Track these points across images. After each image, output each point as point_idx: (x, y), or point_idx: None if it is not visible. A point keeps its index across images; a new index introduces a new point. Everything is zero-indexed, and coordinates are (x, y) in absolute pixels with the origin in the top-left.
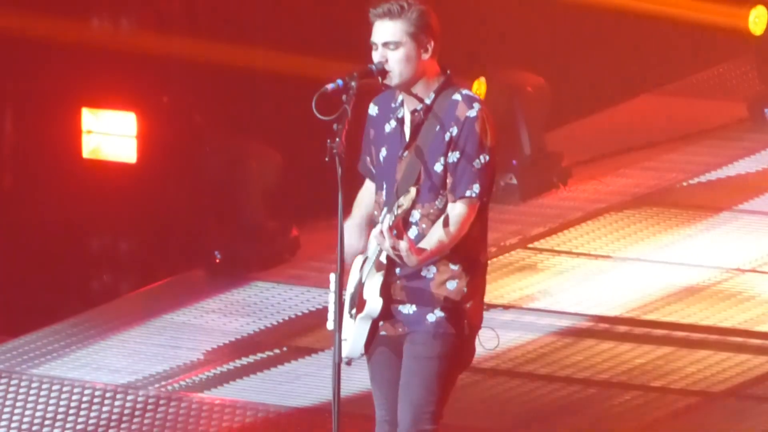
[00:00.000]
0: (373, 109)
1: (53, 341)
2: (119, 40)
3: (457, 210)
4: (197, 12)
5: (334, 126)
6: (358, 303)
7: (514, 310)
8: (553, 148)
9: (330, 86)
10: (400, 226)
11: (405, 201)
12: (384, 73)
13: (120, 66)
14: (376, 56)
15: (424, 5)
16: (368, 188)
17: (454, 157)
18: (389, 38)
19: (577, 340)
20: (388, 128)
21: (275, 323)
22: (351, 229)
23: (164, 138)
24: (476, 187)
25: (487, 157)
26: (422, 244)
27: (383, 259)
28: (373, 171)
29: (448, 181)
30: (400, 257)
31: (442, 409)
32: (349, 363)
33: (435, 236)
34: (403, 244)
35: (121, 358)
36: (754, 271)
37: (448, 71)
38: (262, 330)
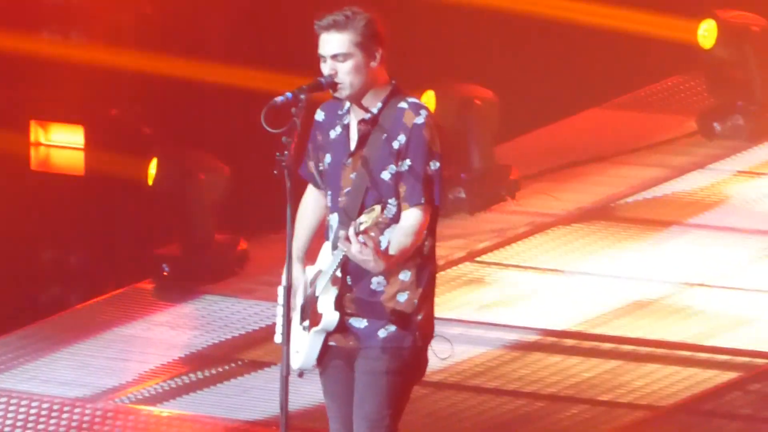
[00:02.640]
0: (319, 115)
1: (2, 354)
2: (68, 53)
3: (412, 217)
4: (146, 25)
5: (283, 139)
6: (311, 316)
7: (462, 324)
8: (502, 161)
9: (279, 99)
10: (368, 232)
11: (367, 219)
12: (334, 85)
13: (69, 79)
14: (325, 69)
15: (370, 13)
16: (311, 194)
17: (405, 164)
18: (337, 50)
19: (525, 354)
20: (333, 134)
21: (224, 336)
22: (298, 252)
23: (112, 150)
24: (429, 194)
25: (438, 164)
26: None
27: (339, 273)
28: (316, 177)
29: (401, 189)
30: (364, 263)
31: (397, 423)
32: (301, 375)
33: (395, 244)
34: (368, 251)
35: (71, 371)
36: (702, 285)
37: (394, 81)
38: (212, 343)
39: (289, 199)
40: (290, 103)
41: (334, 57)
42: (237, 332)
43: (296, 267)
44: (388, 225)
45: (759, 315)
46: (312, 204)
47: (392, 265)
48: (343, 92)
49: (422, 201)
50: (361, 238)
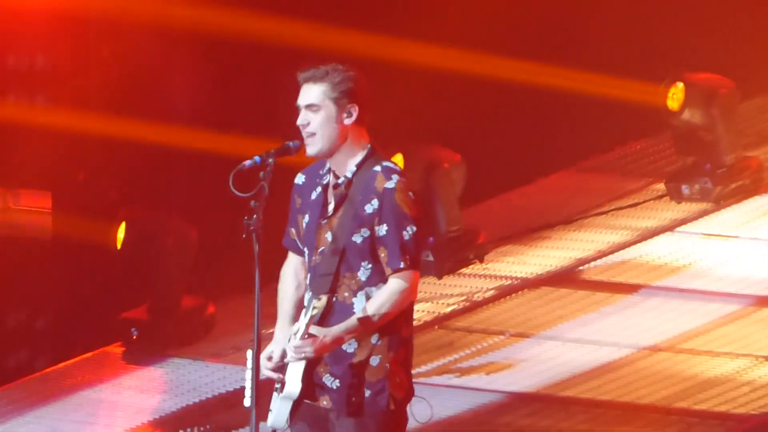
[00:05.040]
0: (299, 179)
1: None
2: (34, 118)
3: (396, 283)
4: (112, 89)
5: (252, 203)
6: (282, 381)
7: (431, 388)
8: (469, 224)
9: (247, 163)
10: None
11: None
12: (301, 148)
13: (35, 143)
14: (299, 119)
15: (353, 71)
16: (292, 262)
17: (382, 230)
18: (311, 101)
19: (494, 418)
20: (313, 195)
21: (193, 400)
22: (285, 320)
23: (80, 215)
24: (408, 258)
25: (414, 228)
26: (358, 316)
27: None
28: (298, 242)
29: (381, 253)
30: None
31: None
32: None
33: (376, 306)
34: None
35: None
36: (670, 349)
37: (370, 144)
38: (180, 407)
39: (257, 262)
40: (258, 167)
41: (308, 107)
42: (205, 396)
43: (284, 329)
44: (361, 288)
45: (729, 378)
46: (292, 272)
47: (374, 328)
48: (314, 147)
49: (401, 266)
50: (299, 343)
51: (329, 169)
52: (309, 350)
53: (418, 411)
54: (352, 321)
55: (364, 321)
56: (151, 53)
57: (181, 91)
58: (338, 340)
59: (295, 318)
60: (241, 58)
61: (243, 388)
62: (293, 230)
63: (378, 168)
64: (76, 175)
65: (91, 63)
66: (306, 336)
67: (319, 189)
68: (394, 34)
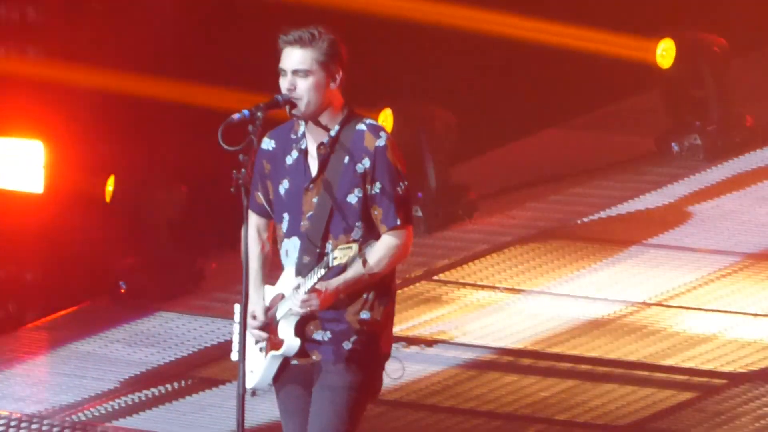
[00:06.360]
0: (268, 144)
1: None
2: (25, 69)
3: (393, 239)
4: (102, 42)
5: (240, 156)
6: (269, 339)
7: (419, 342)
8: (459, 181)
9: (236, 117)
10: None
11: (342, 255)
12: (291, 103)
13: (26, 94)
14: (285, 83)
15: (334, 35)
16: (254, 225)
17: (376, 187)
18: (299, 66)
19: (481, 373)
20: (289, 160)
21: (180, 354)
22: (255, 280)
23: (70, 167)
24: (403, 214)
25: (406, 182)
26: (357, 269)
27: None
28: (266, 206)
29: (375, 211)
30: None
31: None
32: (254, 394)
33: (375, 259)
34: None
35: (26, 387)
36: (659, 304)
37: (348, 105)
38: (167, 360)
39: (246, 216)
40: (247, 121)
41: (295, 72)
42: (193, 349)
43: (257, 289)
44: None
45: (716, 335)
46: (255, 233)
47: (370, 283)
48: (300, 110)
49: (398, 222)
50: (305, 296)
51: (303, 133)
52: (315, 303)
53: (390, 369)
54: (349, 274)
55: (362, 275)
56: (141, 5)
57: (170, 43)
58: (337, 293)
59: (266, 279)
60: (226, 10)
61: (230, 342)
62: (260, 194)
63: (363, 127)
64: (66, 127)
65: (83, 16)
66: (312, 290)
67: (295, 153)
68: None
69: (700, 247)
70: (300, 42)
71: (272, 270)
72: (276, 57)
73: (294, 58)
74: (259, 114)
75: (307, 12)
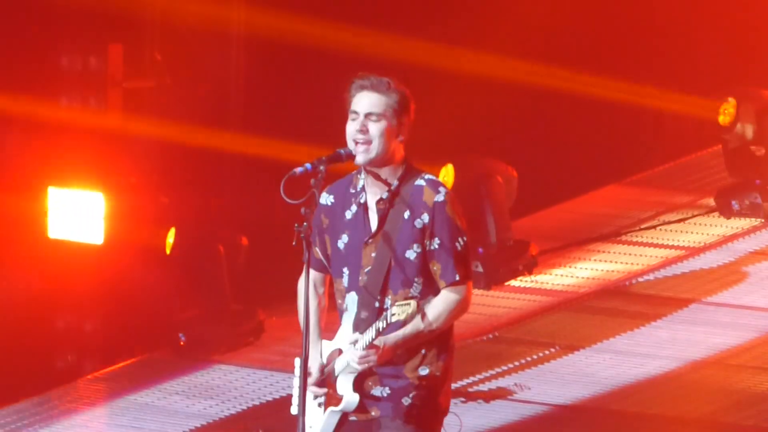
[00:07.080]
0: (326, 199)
1: (16, 420)
2: (86, 120)
3: (452, 295)
4: (165, 94)
5: (302, 210)
6: (327, 394)
7: (477, 398)
8: (519, 236)
9: (298, 170)
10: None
11: (400, 312)
12: (353, 156)
13: (87, 146)
14: (355, 125)
15: (406, 89)
16: (312, 280)
17: (434, 243)
18: (373, 109)
19: (539, 430)
20: (349, 215)
21: (239, 407)
22: (312, 335)
23: (131, 219)
24: (462, 270)
25: (465, 238)
26: (412, 325)
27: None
28: (323, 260)
29: (434, 267)
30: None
31: None
32: None
33: (435, 314)
34: (378, 356)
35: None
36: (719, 364)
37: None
38: (226, 414)
39: (307, 269)
40: (309, 174)
41: (368, 115)
42: (252, 403)
43: (316, 345)
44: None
45: None
46: (313, 288)
47: (428, 338)
48: (367, 155)
49: (456, 279)
50: (364, 352)
51: (362, 188)
52: (373, 359)
53: (447, 422)
54: (408, 330)
55: (421, 330)
56: (205, 58)
57: (233, 96)
58: (395, 349)
59: (322, 334)
60: (291, 63)
61: (290, 396)
62: (317, 249)
63: (422, 182)
64: (127, 179)
65: (144, 66)
66: (371, 346)
67: (354, 207)
68: (448, 42)
69: (760, 306)
70: (376, 87)
71: (327, 325)
72: (343, 106)
73: (368, 101)
74: (321, 167)
75: (371, 64)
